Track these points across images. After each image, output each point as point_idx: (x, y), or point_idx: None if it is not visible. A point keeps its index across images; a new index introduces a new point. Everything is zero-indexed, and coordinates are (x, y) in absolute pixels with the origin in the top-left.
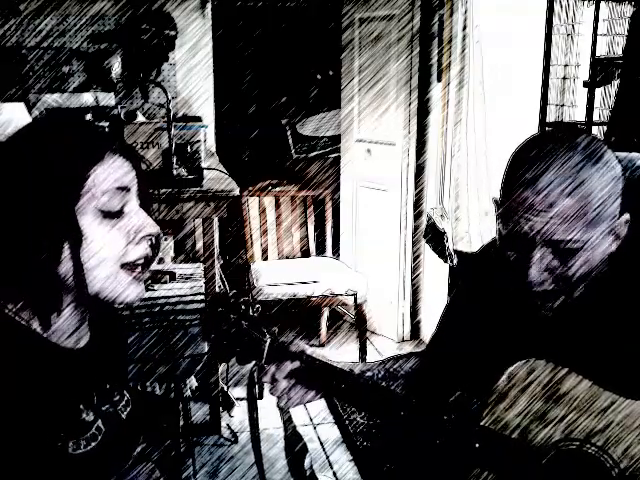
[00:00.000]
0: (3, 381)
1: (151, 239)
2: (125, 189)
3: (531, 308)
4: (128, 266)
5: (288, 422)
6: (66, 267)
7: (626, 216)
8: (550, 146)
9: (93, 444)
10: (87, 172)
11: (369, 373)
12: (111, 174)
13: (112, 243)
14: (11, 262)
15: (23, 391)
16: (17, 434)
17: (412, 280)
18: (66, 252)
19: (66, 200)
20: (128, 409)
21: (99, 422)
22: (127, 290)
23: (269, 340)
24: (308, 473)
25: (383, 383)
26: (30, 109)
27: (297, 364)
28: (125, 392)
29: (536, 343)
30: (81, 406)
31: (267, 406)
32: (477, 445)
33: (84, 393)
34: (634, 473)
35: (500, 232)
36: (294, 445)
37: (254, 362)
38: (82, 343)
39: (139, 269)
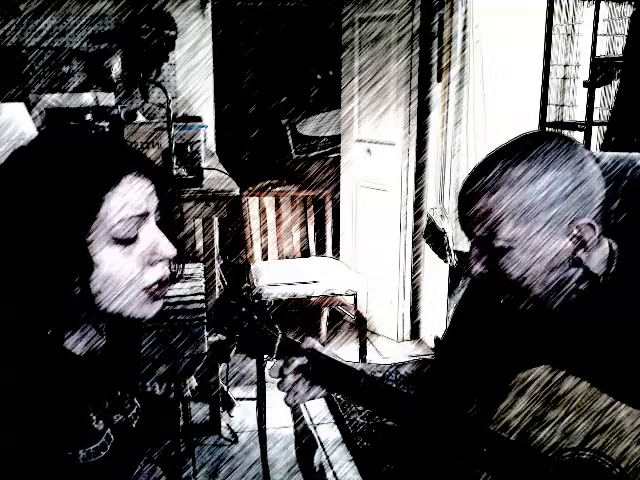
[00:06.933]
0: (17, 386)
1: (169, 260)
2: (142, 215)
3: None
4: (146, 289)
5: (297, 417)
6: (79, 290)
7: (584, 220)
8: (497, 151)
9: (102, 453)
10: (100, 200)
11: (379, 374)
12: (127, 201)
13: (126, 269)
14: (21, 283)
15: (36, 398)
16: (28, 441)
17: (412, 280)
18: (78, 276)
19: (76, 229)
20: (138, 418)
21: (109, 431)
22: (145, 309)
23: (280, 336)
24: (317, 469)
25: (394, 384)
26: (30, 109)
27: (305, 359)
28: (135, 400)
29: (535, 345)
30: (92, 415)
31: (268, 405)
32: (485, 450)
33: (96, 401)
34: (634, 472)
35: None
36: (303, 440)
37: (264, 357)
38: (97, 350)
39: (156, 287)
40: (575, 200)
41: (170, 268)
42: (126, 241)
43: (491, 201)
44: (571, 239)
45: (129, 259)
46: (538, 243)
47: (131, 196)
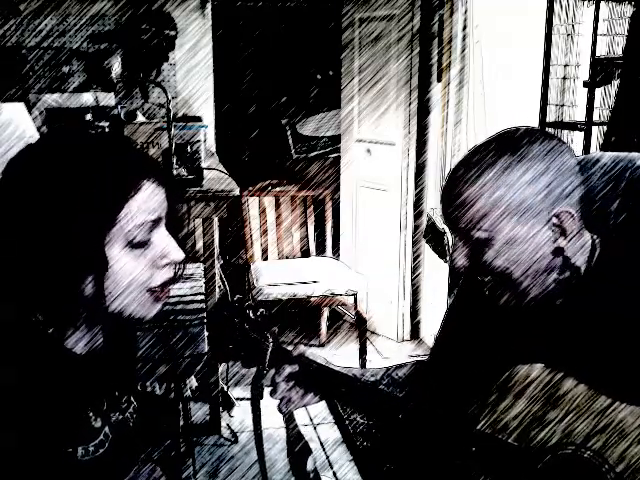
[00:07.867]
0: (17, 386)
1: (175, 264)
2: (156, 220)
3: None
4: (151, 290)
5: (290, 422)
6: (88, 289)
7: (564, 208)
8: (476, 148)
9: (100, 451)
10: (122, 206)
11: (372, 378)
12: (145, 207)
13: (137, 271)
14: (32, 278)
15: (36, 396)
16: (28, 439)
17: (412, 280)
18: (89, 276)
19: (95, 233)
20: (135, 416)
21: (107, 429)
22: (147, 309)
23: (272, 344)
24: (312, 475)
25: (386, 388)
26: (30, 109)
27: (296, 367)
28: (133, 399)
29: (525, 340)
30: (91, 413)
31: (268, 406)
32: (474, 449)
33: (94, 399)
34: (632, 474)
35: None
36: (296, 446)
37: (258, 365)
38: (97, 349)
39: (159, 289)
40: (554, 189)
41: (174, 270)
42: (139, 245)
43: (471, 194)
44: (551, 228)
45: (140, 262)
46: (519, 233)
47: (149, 202)
